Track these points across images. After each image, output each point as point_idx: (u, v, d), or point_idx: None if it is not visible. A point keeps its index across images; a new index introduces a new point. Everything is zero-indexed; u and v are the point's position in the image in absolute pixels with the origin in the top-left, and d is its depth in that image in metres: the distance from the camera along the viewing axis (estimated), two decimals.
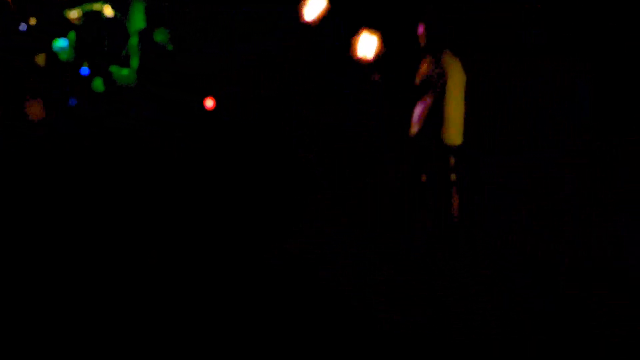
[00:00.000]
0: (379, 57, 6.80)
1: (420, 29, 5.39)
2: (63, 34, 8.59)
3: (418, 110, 5.30)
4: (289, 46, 8.07)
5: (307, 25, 6.37)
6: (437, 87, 5.20)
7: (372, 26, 6.78)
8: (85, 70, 8.38)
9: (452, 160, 5.25)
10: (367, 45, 6.60)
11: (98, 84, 8.98)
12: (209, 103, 8.29)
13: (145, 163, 7.07)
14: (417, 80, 5.36)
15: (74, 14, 8.90)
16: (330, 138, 7.51)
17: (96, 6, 9.28)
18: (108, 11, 9.32)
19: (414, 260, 5.08)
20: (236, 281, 4.53)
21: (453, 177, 5.27)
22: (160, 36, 9.07)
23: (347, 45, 6.71)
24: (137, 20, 9.52)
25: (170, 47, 8.90)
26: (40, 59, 8.53)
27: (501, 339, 3.91)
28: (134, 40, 9.18)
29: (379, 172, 6.67)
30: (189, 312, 4.05)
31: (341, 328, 3.98)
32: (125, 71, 9.25)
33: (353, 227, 5.64)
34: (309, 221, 5.73)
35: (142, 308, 4.08)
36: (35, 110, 7.85)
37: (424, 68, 5.34)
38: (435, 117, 5.19)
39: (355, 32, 6.59)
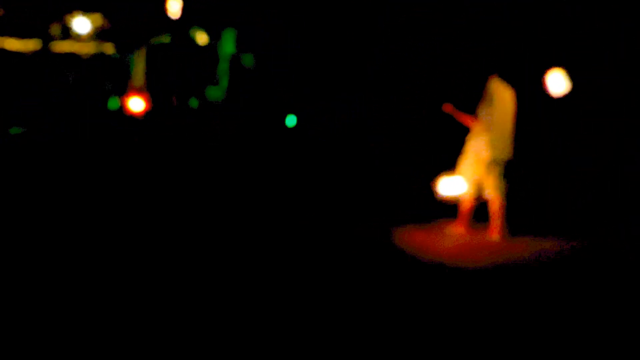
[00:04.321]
0: None
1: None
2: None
3: (472, 128, 5.85)
4: None
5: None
6: (485, 108, 5.80)
7: None
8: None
9: (500, 172, 5.81)
10: None
11: (193, 102, 10.18)
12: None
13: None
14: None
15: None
16: None
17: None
18: (202, 38, 10.05)
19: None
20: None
21: (502, 186, 5.85)
22: (247, 60, 9.87)
23: None
24: (228, 46, 10.23)
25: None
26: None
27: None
28: (224, 64, 10.10)
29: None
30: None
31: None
32: (215, 90, 10.19)
33: None
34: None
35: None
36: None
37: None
38: (485, 135, 5.77)
39: None
